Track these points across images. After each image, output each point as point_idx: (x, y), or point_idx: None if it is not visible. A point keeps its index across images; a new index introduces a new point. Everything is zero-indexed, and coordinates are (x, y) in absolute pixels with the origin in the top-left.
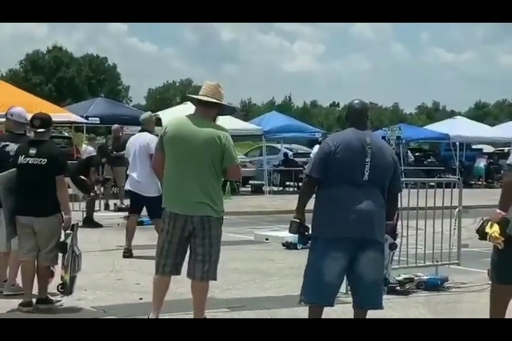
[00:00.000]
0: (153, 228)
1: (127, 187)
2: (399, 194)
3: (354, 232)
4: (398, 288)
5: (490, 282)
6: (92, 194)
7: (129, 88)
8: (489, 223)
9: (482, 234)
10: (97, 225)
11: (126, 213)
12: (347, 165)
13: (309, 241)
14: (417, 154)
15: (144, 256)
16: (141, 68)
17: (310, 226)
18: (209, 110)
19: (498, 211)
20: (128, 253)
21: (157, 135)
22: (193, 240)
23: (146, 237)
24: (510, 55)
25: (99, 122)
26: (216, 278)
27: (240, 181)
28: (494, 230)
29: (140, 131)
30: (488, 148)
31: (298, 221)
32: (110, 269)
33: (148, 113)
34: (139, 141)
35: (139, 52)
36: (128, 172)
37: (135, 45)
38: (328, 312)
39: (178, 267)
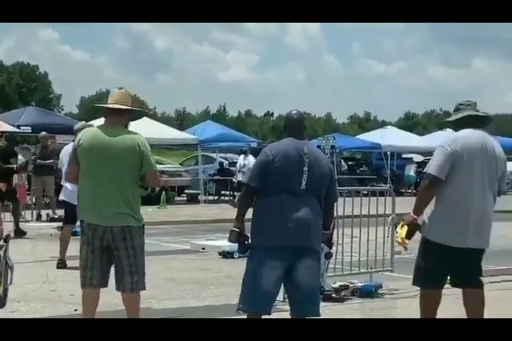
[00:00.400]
0: None
1: (61, 197)
2: (335, 203)
3: (291, 240)
4: (334, 295)
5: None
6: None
7: (61, 96)
8: (401, 223)
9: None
10: (22, 233)
11: (59, 223)
12: (285, 174)
13: (248, 250)
14: (350, 163)
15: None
16: (73, 76)
17: (249, 235)
18: (120, 117)
19: (412, 214)
20: (62, 264)
21: None
22: (116, 252)
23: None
24: (438, 66)
25: (30, 131)
26: (145, 288)
27: (175, 190)
28: (401, 233)
29: (73, 141)
30: (417, 157)
31: (237, 230)
32: (44, 280)
33: (82, 123)
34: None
35: (71, 60)
36: (62, 183)
37: (67, 52)
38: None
39: (105, 278)
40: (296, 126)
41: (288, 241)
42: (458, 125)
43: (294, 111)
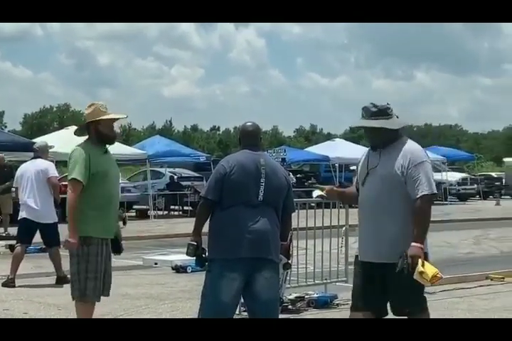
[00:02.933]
0: (37, 257)
1: (23, 215)
2: (292, 214)
3: (250, 252)
4: (290, 306)
5: None
6: None
7: (4, 113)
8: (419, 261)
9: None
10: None
11: (7, 242)
12: (242, 186)
13: (206, 264)
14: (298, 176)
15: (31, 285)
16: (15, 93)
17: (207, 248)
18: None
19: (417, 244)
20: (12, 283)
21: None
22: None
23: (30, 266)
24: (381, 79)
25: None
26: (80, 298)
27: (124, 206)
28: (428, 271)
29: (33, 158)
30: None
31: (195, 243)
32: None
33: (44, 141)
34: (35, 167)
35: (13, 76)
36: (21, 201)
37: (8, 69)
38: None
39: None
40: (251, 137)
41: (246, 252)
42: (399, 134)
43: (249, 123)
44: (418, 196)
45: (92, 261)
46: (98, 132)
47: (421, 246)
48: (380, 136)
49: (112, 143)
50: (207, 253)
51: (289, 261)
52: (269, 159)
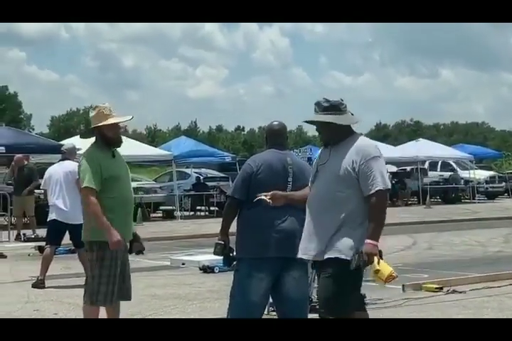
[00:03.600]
0: (67, 258)
1: (52, 217)
2: None
3: (278, 252)
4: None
5: (404, 297)
6: None
7: (31, 116)
8: (375, 259)
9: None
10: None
11: (36, 243)
12: (269, 185)
13: (234, 263)
14: None
15: (60, 286)
16: (42, 96)
17: (234, 247)
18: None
19: (371, 241)
20: (42, 284)
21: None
22: None
23: (59, 267)
24: (406, 77)
25: (4, 151)
26: (90, 302)
27: (150, 207)
28: (384, 269)
29: (61, 160)
30: (391, 168)
31: (222, 242)
32: (25, 300)
33: (72, 143)
34: (64, 169)
35: (40, 79)
36: (51, 202)
37: (34, 73)
38: None
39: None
40: (277, 136)
41: (274, 252)
42: (351, 131)
43: (276, 122)
44: (372, 192)
45: (105, 266)
46: (103, 136)
47: (376, 244)
48: (329, 132)
49: (118, 146)
50: (235, 253)
51: None
52: (295, 158)
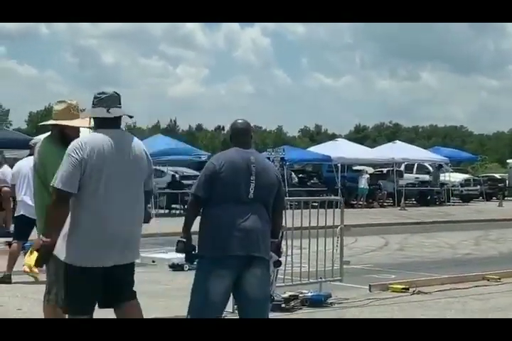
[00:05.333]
0: None
1: (20, 212)
2: (283, 212)
3: (240, 250)
4: (283, 305)
5: (370, 297)
6: None
7: (9, 112)
8: (29, 251)
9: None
10: None
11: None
12: (232, 183)
13: (196, 260)
14: (300, 175)
15: (26, 282)
16: (20, 91)
17: (197, 245)
18: None
19: (41, 237)
20: (9, 279)
21: None
22: None
23: None
24: (386, 79)
25: None
26: (60, 304)
27: None
28: (28, 261)
29: (29, 155)
30: (368, 169)
31: (184, 240)
32: None
33: (40, 138)
34: (31, 164)
35: (19, 75)
36: (18, 198)
37: (13, 67)
38: None
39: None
40: (241, 135)
41: (236, 250)
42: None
43: (240, 121)
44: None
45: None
46: (63, 134)
47: (42, 238)
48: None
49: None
50: (196, 250)
51: (280, 259)
52: (259, 157)
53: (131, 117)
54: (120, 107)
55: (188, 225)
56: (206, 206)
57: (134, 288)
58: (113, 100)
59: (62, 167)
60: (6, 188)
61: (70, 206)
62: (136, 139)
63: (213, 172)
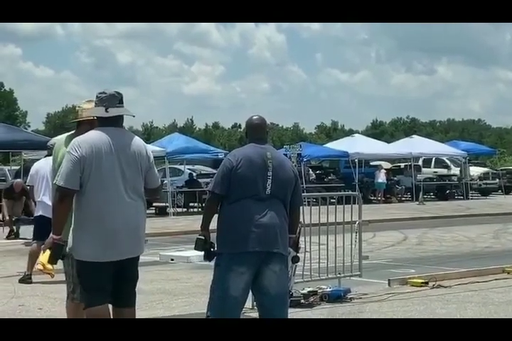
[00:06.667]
0: None
1: (39, 212)
2: (301, 207)
3: (258, 246)
4: (303, 301)
5: (390, 292)
6: None
7: (27, 113)
8: (42, 250)
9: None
10: None
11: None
12: (249, 179)
13: (215, 258)
14: (317, 172)
15: (47, 281)
16: (38, 93)
17: (215, 242)
18: None
19: (52, 235)
20: (29, 279)
21: None
22: None
23: None
24: (402, 74)
25: None
26: (80, 300)
27: None
28: (42, 259)
29: (48, 156)
30: (385, 164)
31: (203, 238)
32: (11, 295)
33: (58, 139)
34: (50, 165)
35: (35, 76)
36: (37, 199)
37: (30, 69)
38: None
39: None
40: (257, 131)
41: (254, 246)
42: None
43: (255, 117)
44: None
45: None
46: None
47: (52, 236)
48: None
49: None
50: (215, 248)
51: (298, 254)
52: (275, 152)
53: (133, 116)
54: (121, 107)
55: (206, 223)
56: (224, 203)
57: (155, 287)
58: (112, 100)
59: (63, 165)
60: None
61: (74, 203)
62: (136, 138)
63: (230, 169)
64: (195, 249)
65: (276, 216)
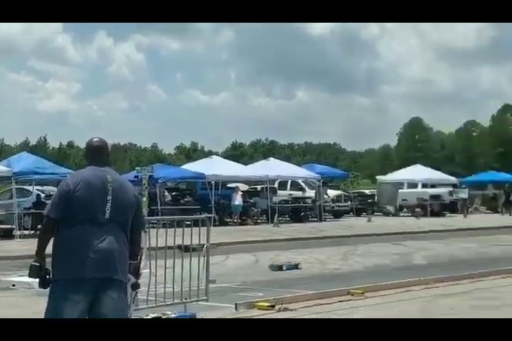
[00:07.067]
0: None
1: None
2: (142, 232)
3: (95, 272)
4: None
5: (235, 316)
6: None
7: None
8: None
9: None
10: None
11: None
12: (87, 203)
13: (50, 285)
14: (174, 193)
15: None
16: None
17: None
18: None
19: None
20: None
21: None
22: None
23: None
24: (262, 97)
25: None
26: None
27: None
28: None
29: None
30: (242, 186)
31: (38, 264)
32: None
33: None
34: None
35: None
36: None
37: None
38: None
39: None
40: (97, 153)
41: (91, 272)
42: None
43: (95, 139)
44: None
45: None
46: None
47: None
48: None
49: None
50: (51, 275)
51: (138, 281)
52: (116, 175)
53: None
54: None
55: (41, 248)
56: (60, 227)
57: None
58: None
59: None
60: None
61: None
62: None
63: (67, 192)
64: (29, 276)
65: (115, 241)
